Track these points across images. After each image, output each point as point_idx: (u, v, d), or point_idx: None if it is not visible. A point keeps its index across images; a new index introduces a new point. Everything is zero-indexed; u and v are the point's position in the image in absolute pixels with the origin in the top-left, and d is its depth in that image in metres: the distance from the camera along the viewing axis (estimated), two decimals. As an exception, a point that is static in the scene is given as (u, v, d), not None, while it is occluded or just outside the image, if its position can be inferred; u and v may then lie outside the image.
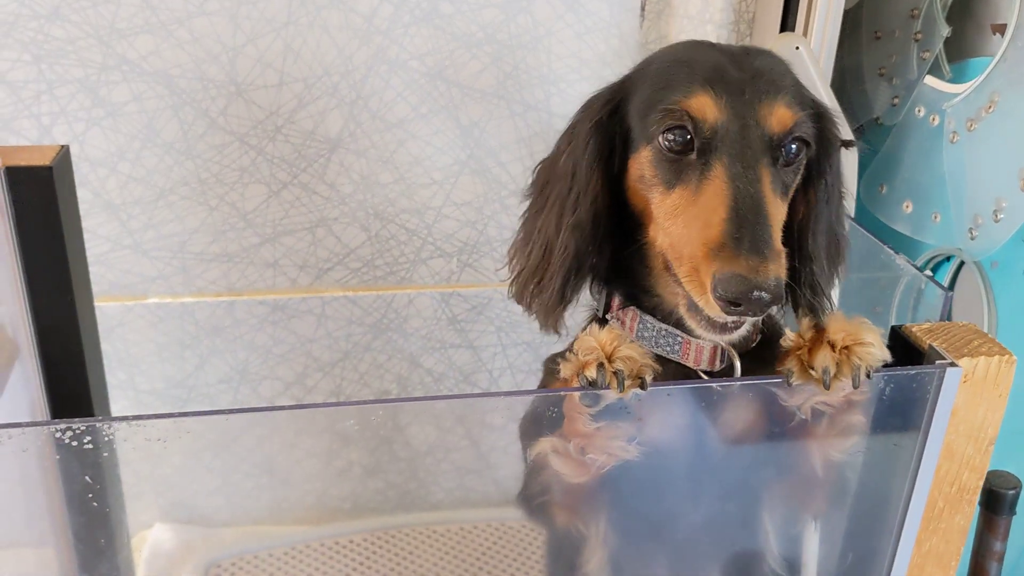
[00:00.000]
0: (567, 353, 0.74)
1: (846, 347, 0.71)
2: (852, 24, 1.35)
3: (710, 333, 0.73)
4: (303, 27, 1.33)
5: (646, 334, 0.80)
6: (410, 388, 1.60)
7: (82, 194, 1.32)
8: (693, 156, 0.72)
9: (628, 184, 0.78)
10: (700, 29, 1.35)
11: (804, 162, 0.76)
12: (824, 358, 0.70)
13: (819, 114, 0.78)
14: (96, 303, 1.48)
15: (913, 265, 0.89)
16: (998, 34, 1.12)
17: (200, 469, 1.53)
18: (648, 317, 0.80)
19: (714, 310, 0.67)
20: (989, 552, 0.98)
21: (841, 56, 1.34)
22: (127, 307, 1.44)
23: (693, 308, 0.72)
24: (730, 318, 0.69)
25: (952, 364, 0.72)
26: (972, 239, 1.07)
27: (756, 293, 0.64)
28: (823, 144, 0.78)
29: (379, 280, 1.52)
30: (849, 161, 1.16)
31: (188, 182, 1.37)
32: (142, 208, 1.37)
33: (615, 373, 0.69)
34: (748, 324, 0.75)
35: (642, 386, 0.70)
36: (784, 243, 0.71)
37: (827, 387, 0.70)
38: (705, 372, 0.80)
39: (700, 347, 0.79)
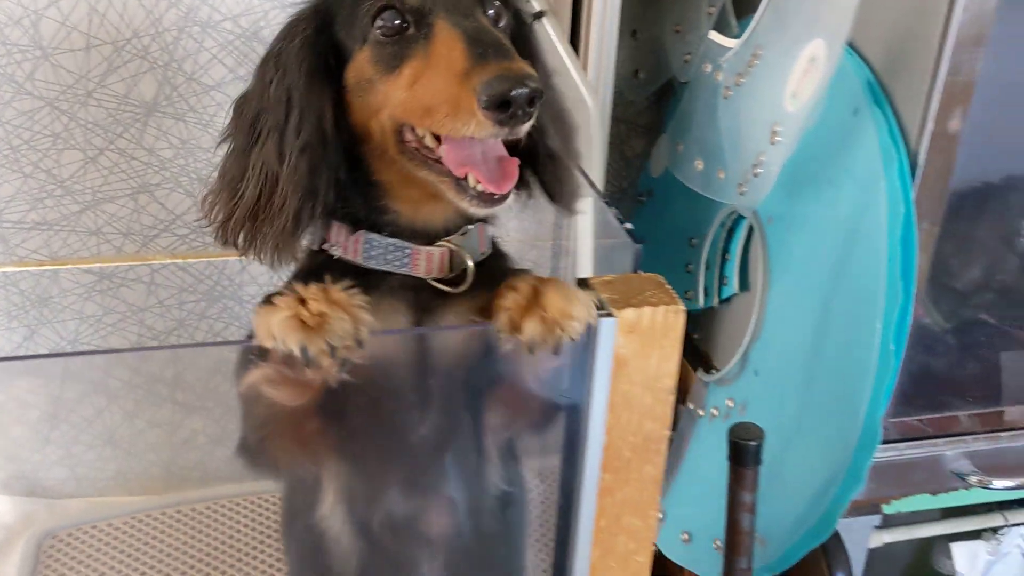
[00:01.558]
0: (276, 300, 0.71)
1: (555, 319, 0.71)
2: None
3: (480, 207, 0.73)
4: (107, -12, 1.30)
5: (373, 252, 0.80)
6: (251, 356, 1.58)
7: None
8: (411, 30, 0.73)
9: (350, 99, 0.77)
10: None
11: (507, 30, 0.78)
12: (533, 328, 0.71)
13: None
14: (-88, 275, 1.46)
15: (620, 220, 0.88)
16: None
17: (39, 441, 1.52)
18: (374, 235, 0.80)
19: (486, 128, 0.68)
20: (740, 505, 0.98)
21: (646, 16, 1.35)
22: (-55, 279, 1.42)
23: (460, 188, 0.73)
24: (500, 184, 0.71)
25: (608, 314, 0.71)
26: (741, 194, 1.06)
27: (519, 89, 0.65)
28: (521, 24, 0.81)
29: (209, 247, 1.49)
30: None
31: (-1, 148, 1.35)
32: (-49, 176, 1.35)
33: (329, 345, 0.67)
34: (512, 197, 0.75)
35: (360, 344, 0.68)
36: None
37: (532, 353, 0.71)
38: (436, 280, 0.81)
39: (430, 255, 0.80)
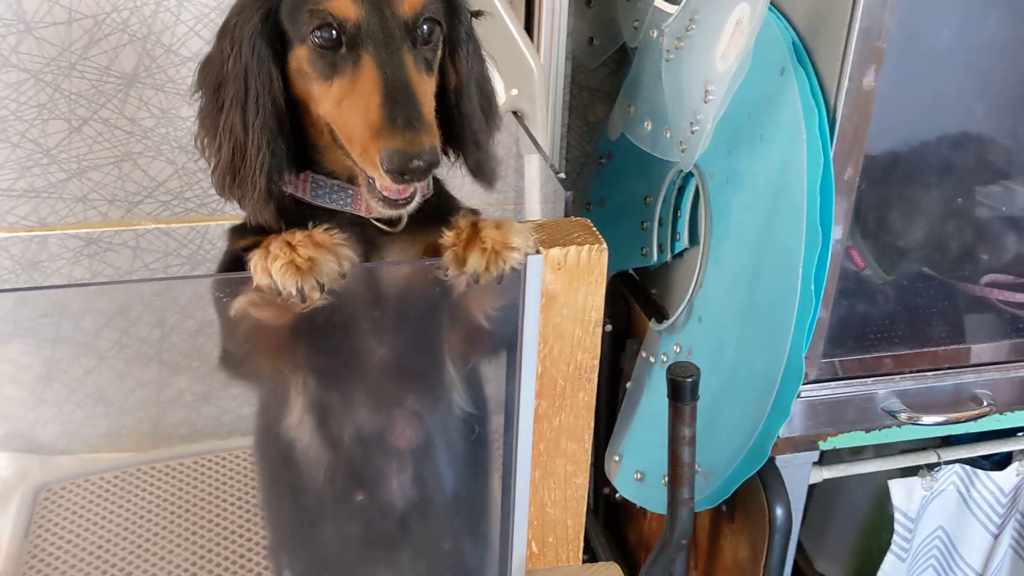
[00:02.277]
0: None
1: (495, 250, 0.80)
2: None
3: (387, 208, 0.82)
4: (87, -36, 1.36)
5: (319, 192, 0.89)
6: (233, 317, 1.65)
7: None
8: (344, 51, 0.80)
9: (291, 78, 0.85)
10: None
11: (440, 39, 0.86)
12: (476, 260, 0.80)
13: None
14: (-92, 241, 1.53)
15: (554, 170, 0.95)
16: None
17: (34, 400, 1.59)
18: (320, 176, 0.89)
19: (387, 182, 0.77)
20: (680, 438, 1.05)
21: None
22: (-62, 244, 1.49)
23: (371, 188, 0.81)
24: (402, 190, 0.80)
25: (535, 252, 0.78)
26: (682, 151, 1.13)
27: (415, 162, 0.74)
28: (455, 17, 0.88)
29: (191, 212, 1.56)
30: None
31: (-14, 119, 1.41)
32: (-57, 145, 1.42)
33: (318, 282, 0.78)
34: (418, 197, 0.83)
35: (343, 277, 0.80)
36: (443, 109, 0.84)
37: (476, 283, 0.81)
38: (376, 220, 0.89)
39: None
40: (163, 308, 1.66)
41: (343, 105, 0.80)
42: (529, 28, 1.34)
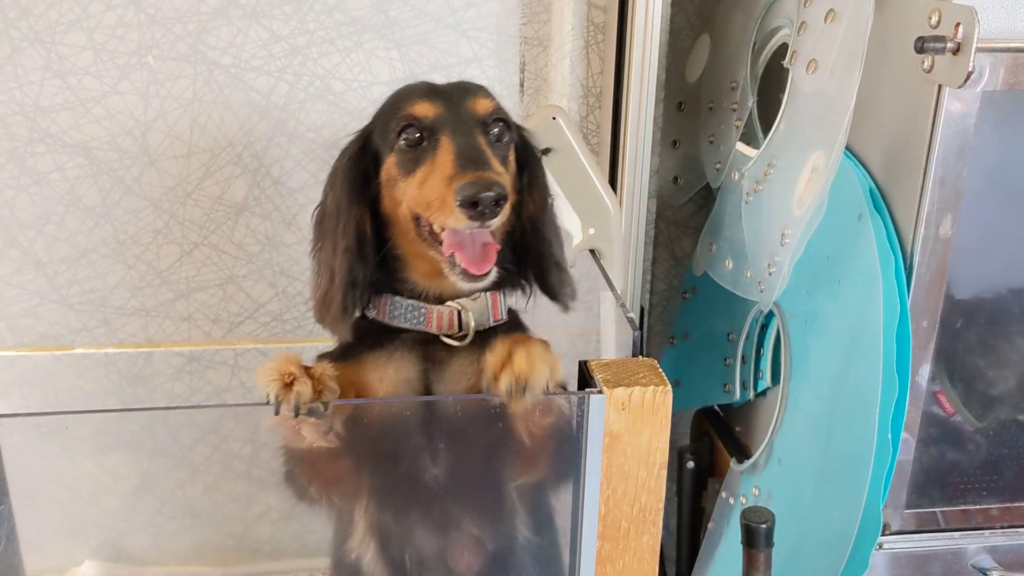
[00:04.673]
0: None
1: (522, 374, 0.84)
2: (694, 97, 1.45)
3: (467, 283, 0.89)
4: (207, 103, 1.48)
5: (396, 312, 0.96)
6: (321, 437, 1.69)
7: (13, 253, 1.49)
8: (425, 143, 0.90)
9: (382, 194, 0.94)
10: (560, 101, 1.46)
11: (511, 144, 0.95)
12: (505, 380, 0.85)
13: (519, 131, 0.98)
14: (27, 352, 1.64)
15: (624, 309, 0.97)
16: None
17: (127, 511, 1.65)
18: (398, 298, 0.96)
19: (461, 221, 0.84)
20: (754, 587, 1.01)
21: (686, 128, 1.47)
22: (56, 357, 1.58)
23: (452, 266, 0.89)
24: (480, 263, 0.87)
25: (599, 392, 0.79)
26: (761, 291, 1.13)
27: (485, 193, 0.81)
28: (529, 155, 0.98)
29: (287, 333, 1.63)
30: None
31: (107, 242, 1.52)
32: (67, 266, 1.52)
33: (298, 394, 0.84)
34: (494, 274, 0.89)
35: (324, 407, 0.85)
36: (518, 238, 0.95)
37: (508, 404, 0.85)
38: (446, 336, 0.95)
39: (440, 313, 0.95)
40: (255, 424, 1.72)
41: (425, 184, 0.88)
42: (614, 167, 1.38)
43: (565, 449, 0.85)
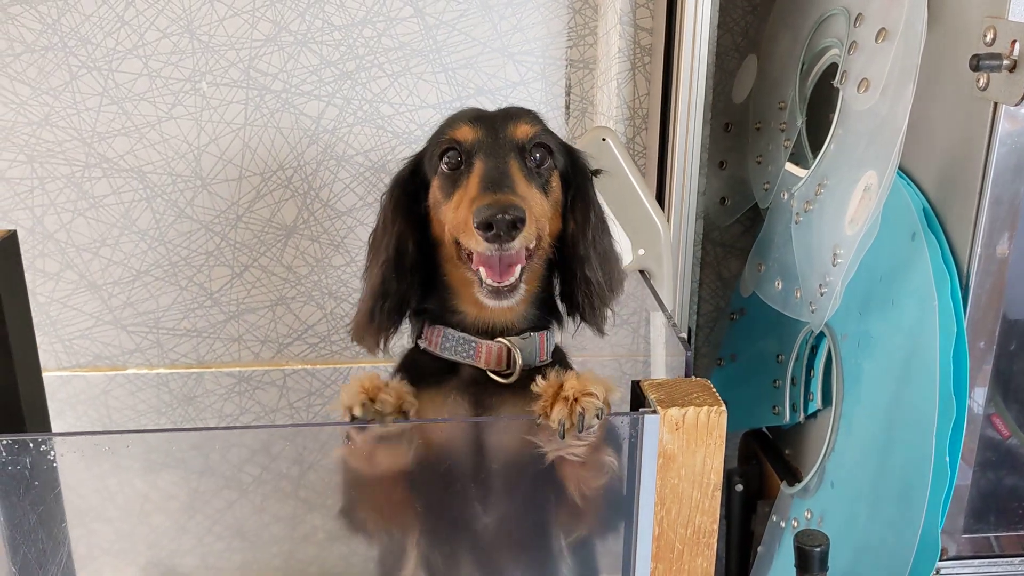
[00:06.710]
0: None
1: (575, 398, 0.84)
2: (741, 118, 1.45)
3: (492, 300, 0.89)
4: (259, 128, 1.50)
5: (447, 344, 0.96)
6: (368, 458, 1.70)
7: (69, 275, 1.52)
8: (463, 168, 0.91)
9: (430, 217, 0.96)
10: (607, 122, 1.46)
11: (553, 170, 0.94)
12: (558, 410, 0.84)
13: (569, 151, 0.98)
14: (81, 373, 1.66)
15: (676, 329, 0.97)
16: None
17: (176, 530, 1.67)
18: (450, 330, 0.96)
19: (480, 243, 0.84)
20: (808, 611, 1.00)
21: (733, 149, 1.47)
22: (109, 377, 1.61)
23: (480, 283, 0.89)
24: (503, 274, 0.87)
25: (653, 411, 0.79)
26: (812, 312, 1.12)
27: (500, 216, 0.81)
28: (578, 175, 0.98)
29: (335, 355, 1.65)
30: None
31: (161, 264, 1.55)
32: (121, 288, 1.55)
33: (378, 410, 0.86)
34: (520, 291, 0.90)
35: (405, 416, 0.87)
36: (562, 255, 0.94)
37: (562, 437, 0.84)
38: (494, 372, 0.95)
39: (489, 348, 0.95)
40: (303, 445, 1.73)
41: (460, 206, 0.89)
42: (661, 189, 1.38)
43: (609, 492, 0.86)
